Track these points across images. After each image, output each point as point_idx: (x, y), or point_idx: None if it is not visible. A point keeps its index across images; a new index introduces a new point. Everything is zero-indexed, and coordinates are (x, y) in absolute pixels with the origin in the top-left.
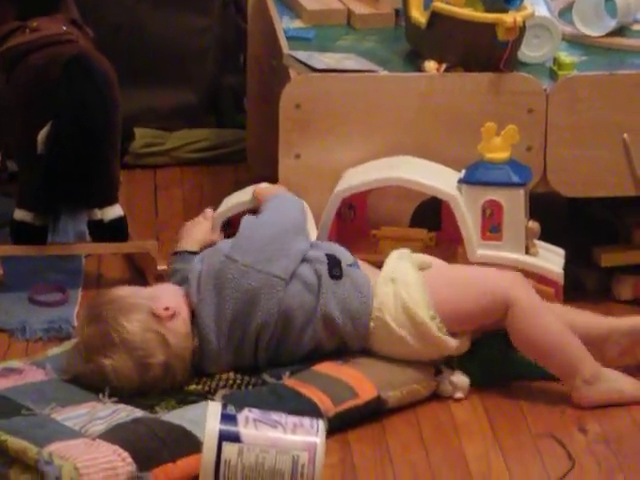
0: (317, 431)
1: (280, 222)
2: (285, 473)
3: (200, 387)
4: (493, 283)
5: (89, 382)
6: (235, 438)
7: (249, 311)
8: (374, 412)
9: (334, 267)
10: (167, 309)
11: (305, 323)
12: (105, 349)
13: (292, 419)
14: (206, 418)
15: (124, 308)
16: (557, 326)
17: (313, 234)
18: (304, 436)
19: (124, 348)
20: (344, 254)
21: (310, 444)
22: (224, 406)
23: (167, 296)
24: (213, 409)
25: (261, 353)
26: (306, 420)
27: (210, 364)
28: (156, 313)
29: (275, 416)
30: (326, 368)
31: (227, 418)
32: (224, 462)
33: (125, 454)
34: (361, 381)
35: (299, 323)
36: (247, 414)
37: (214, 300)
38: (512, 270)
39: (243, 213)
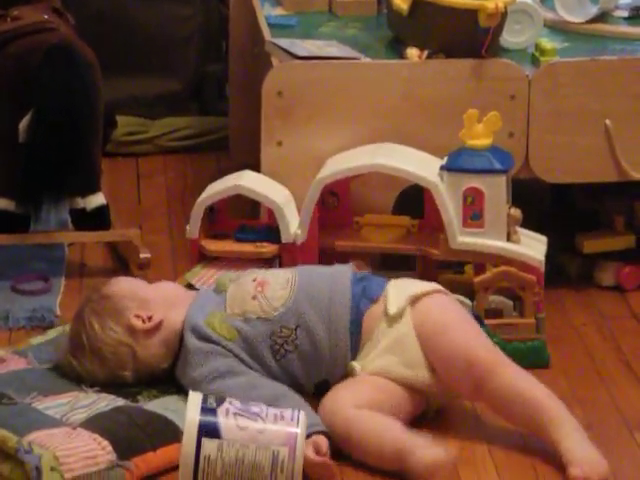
0: (297, 423)
1: None
2: (265, 468)
3: None
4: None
5: (67, 373)
6: (215, 433)
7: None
8: None
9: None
10: (150, 318)
11: None
12: (77, 350)
13: (273, 411)
14: (186, 411)
15: (104, 312)
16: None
17: (295, 222)
18: (284, 429)
19: (93, 354)
20: (340, 375)
21: (290, 437)
22: (204, 398)
23: (161, 303)
24: (193, 401)
25: None
26: (287, 412)
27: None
28: (134, 326)
29: (255, 408)
30: None
31: (207, 412)
32: (204, 458)
33: (105, 442)
34: None
35: None
36: (227, 407)
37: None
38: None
39: (226, 200)
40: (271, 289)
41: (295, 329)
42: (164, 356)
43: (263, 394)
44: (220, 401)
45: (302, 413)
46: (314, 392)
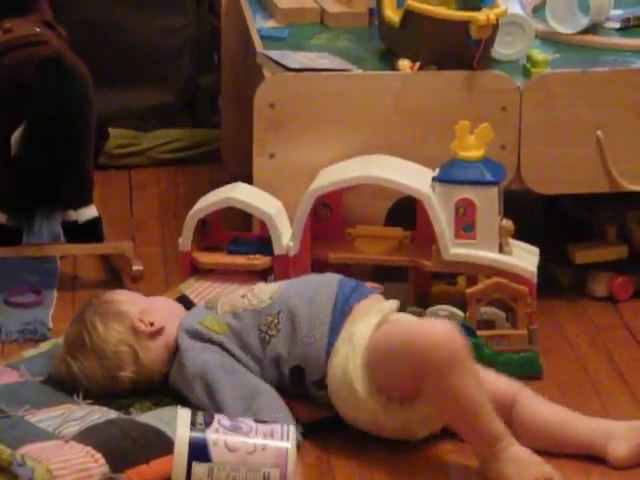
0: (288, 438)
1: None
2: None
3: None
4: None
5: (62, 380)
6: (205, 457)
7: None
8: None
9: (296, 385)
10: (152, 324)
11: None
12: (77, 351)
13: (262, 428)
14: (176, 430)
15: (107, 313)
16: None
17: (287, 234)
18: (274, 447)
19: (94, 354)
20: (314, 363)
21: (280, 456)
22: (193, 416)
23: (161, 312)
24: (182, 419)
25: None
26: (276, 428)
27: None
28: (137, 328)
29: (245, 426)
30: None
31: (197, 433)
32: None
33: (98, 455)
34: None
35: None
36: (216, 427)
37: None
38: None
39: (218, 212)
40: (260, 287)
41: (278, 314)
42: (164, 361)
43: (247, 393)
44: (209, 420)
45: (292, 428)
46: (289, 382)
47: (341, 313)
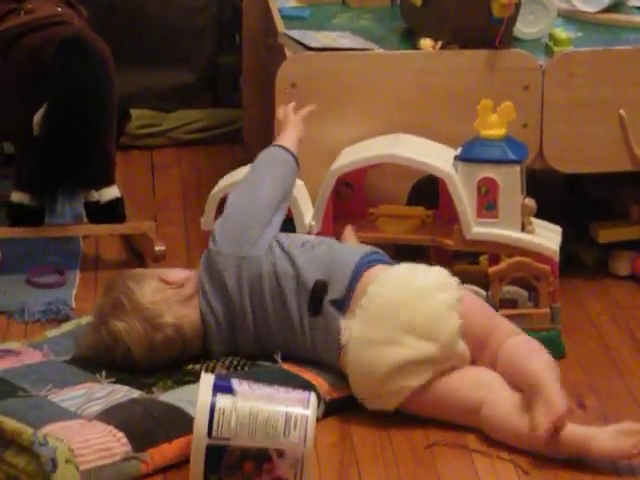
0: (309, 393)
1: (251, 205)
2: (278, 424)
3: (198, 367)
4: None
5: (101, 352)
6: (229, 391)
7: (241, 292)
8: None
9: (314, 302)
10: (176, 280)
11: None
12: (115, 312)
13: (284, 387)
14: (200, 381)
15: (136, 276)
16: None
17: (309, 214)
18: (299, 393)
19: (133, 310)
20: (337, 279)
21: (304, 399)
22: (217, 375)
23: (178, 272)
24: (206, 375)
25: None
26: (298, 391)
27: (212, 345)
28: (165, 279)
29: (267, 384)
30: None
31: (221, 378)
32: (218, 411)
33: (120, 434)
34: None
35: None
36: (240, 379)
37: (211, 289)
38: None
39: None
40: None
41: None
42: (196, 307)
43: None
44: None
45: (312, 393)
46: (310, 299)
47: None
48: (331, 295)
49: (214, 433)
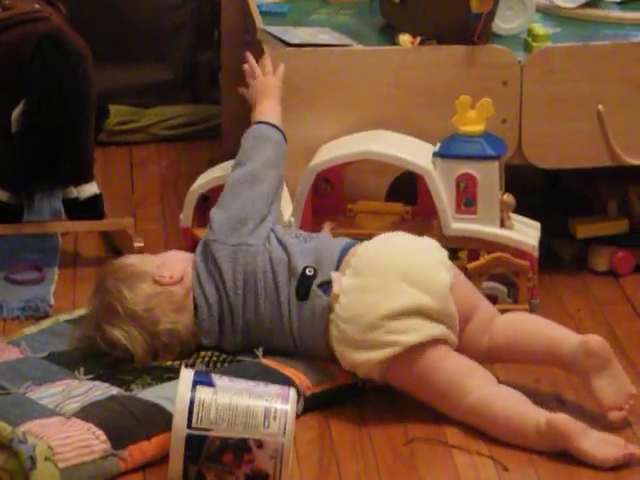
0: (288, 386)
1: (250, 197)
2: (258, 415)
3: (177, 363)
4: None
5: (102, 348)
6: (209, 384)
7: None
8: (351, 396)
9: (302, 286)
10: (171, 277)
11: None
12: (110, 319)
13: (264, 382)
14: (180, 373)
15: (127, 277)
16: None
17: (289, 210)
18: (277, 387)
19: (128, 317)
20: (325, 264)
21: (283, 391)
22: (196, 372)
23: (175, 264)
24: (186, 369)
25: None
26: (276, 386)
27: (204, 336)
28: (159, 280)
29: (245, 382)
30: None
31: (201, 372)
32: (198, 401)
33: (99, 432)
34: (338, 365)
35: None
36: (220, 374)
37: (206, 277)
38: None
39: (219, 188)
40: None
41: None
42: (191, 303)
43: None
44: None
45: (292, 389)
46: (298, 283)
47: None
48: (319, 279)
49: (194, 423)
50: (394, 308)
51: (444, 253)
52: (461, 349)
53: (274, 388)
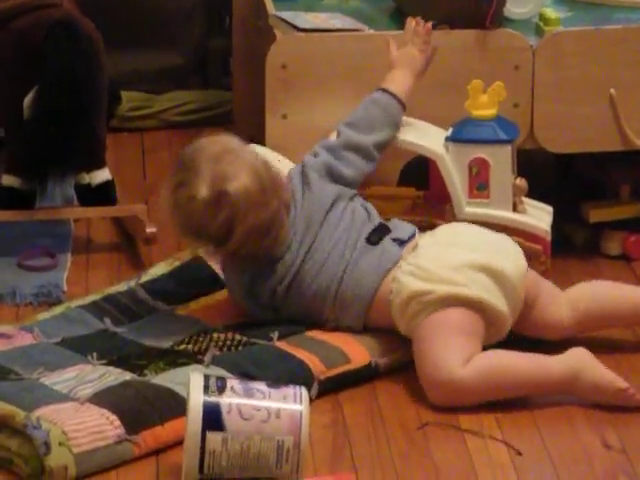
0: (301, 402)
1: (361, 152)
2: (270, 458)
3: (190, 347)
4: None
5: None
6: (219, 427)
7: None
8: (366, 377)
9: (376, 233)
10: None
11: None
12: (232, 174)
13: (275, 394)
14: (189, 396)
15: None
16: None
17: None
18: (288, 416)
19: (247, 168)
20: (401, 229)
21: (294, 424)
22: (206, 382)
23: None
24: (195, 383)
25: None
26: (289, 392)
27: (279, 244)
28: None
29: (258, 393)
30: (317, 333)
31: (209, 409)
32: (209, 452)
33: (113, 417)
34: (353, 346)
35: None
36: (230, 393)
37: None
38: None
39: None
40: None
41: None
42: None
43: None
44: (222, 385)
45: (304, 390)
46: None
47: None
48: (394, 234)
49: (205, 471)
50: (467, 260)
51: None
52: (540, 331)
53: (286, 414)
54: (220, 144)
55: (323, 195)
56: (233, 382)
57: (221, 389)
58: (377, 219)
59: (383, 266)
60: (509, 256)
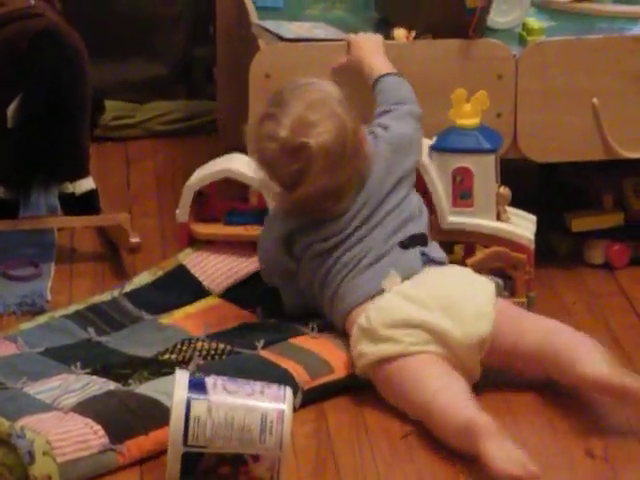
0: (284, 395)
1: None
2: (253, 430)
3: (174, 356)
4: None
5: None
6: (204, 396)
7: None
8: (349, 387)
9: (410, 240)
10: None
11: None
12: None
13: (260, 384)
14: (174, 384)
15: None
16: None
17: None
18: (272, 397)
19: (335, 127)
20: (436, 250)
21: (279, 399)
22: (192, 373)
23: None
24: (181, 376)
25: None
26: (274, 385)
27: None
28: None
29: (243, 382)
30: (302, 341)
31: (195, 382)
32: (193, 419)
33: (97, 427)
34: (337, 355)
35: None
36: (215, 378)
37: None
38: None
39: (215, 183)
40: None
41: None
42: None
43: None
44: (207, 374)
45: (288, 388)
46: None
47: None
48: (424, 248)
49: (189, 441)
50: (414, 318)
51: (492, 300)
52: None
53: (270, 394)
54: (320, 93)
55: (389, 173)
56: (217, 376)
57: (206, 375)
58: (424, 222)
59: (371, 291)
60: (463, 319)
